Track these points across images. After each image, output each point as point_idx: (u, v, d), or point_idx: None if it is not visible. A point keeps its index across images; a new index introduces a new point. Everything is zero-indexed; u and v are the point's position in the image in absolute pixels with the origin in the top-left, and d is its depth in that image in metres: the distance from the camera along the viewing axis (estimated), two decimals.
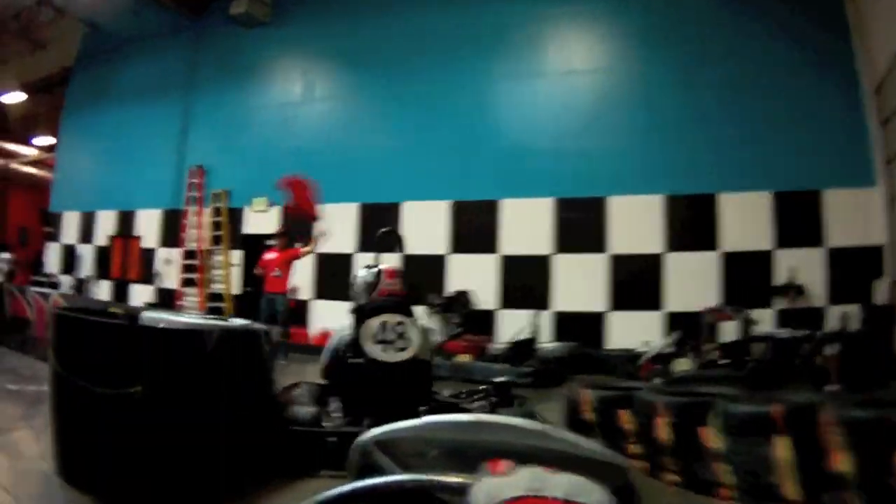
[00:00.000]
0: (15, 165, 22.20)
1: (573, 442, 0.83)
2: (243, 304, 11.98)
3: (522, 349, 8.62)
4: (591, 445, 0.84)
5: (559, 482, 0.53)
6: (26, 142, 21.60)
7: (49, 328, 3.12)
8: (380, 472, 0.87)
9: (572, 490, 0.52)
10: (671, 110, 9.45)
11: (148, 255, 14.09)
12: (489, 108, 10.62)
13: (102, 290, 14.91)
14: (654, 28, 9.83)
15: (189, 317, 3.69)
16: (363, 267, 4.80)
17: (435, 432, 0.88)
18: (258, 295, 9.79)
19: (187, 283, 13.10)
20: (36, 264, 17.72)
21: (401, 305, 4.34)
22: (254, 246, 11.68)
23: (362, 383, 4.13)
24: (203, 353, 2.98)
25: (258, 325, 3.83)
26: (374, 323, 4.18)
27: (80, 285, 15.38)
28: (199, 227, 12.98)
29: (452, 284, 10.40)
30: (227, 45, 13.59)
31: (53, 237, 16.73)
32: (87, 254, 15.57)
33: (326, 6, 12.40)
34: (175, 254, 13.42)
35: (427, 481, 0.62)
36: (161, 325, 3.10)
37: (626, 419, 4.03)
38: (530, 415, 4.25)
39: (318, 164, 11.56)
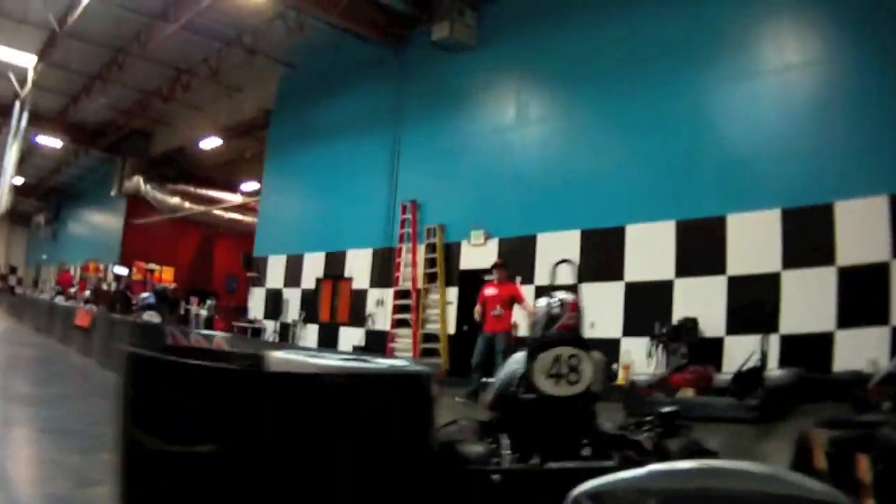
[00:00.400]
0: (219, 212, 25.10)
1: (805, 485, 0.88)
2: (459, 344, 12.98)
3: (748, 379, 8.69)
4: (822, 488, 0.89)
5: None
6: (231, 188, 24.23)
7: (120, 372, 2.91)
8: None
9: None
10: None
11: (359, 296, 15.53)
12: (708, 116, 10.77)
13: (310, 335, 16.61)
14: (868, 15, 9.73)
15: (329, 359, 3.45)
16: (545, 297, 5.12)
17: (655, 482, 0.93)
18: (474, 334, 10.72)
19: (400, 323, 14.34)
20: (240, 310, 20.01)
21: (576, 338, 4.65)
22: (471, 282, 12.64)
23: (531, 418, 4.47)
24: (318, 403, 2.71)
25: (416, 367, 3.90)
26: (548, 357, 4.48)
27: (286, 330, 17.22)
28: (413, 264, 14.22)
29: (678, 311, 10.65)
30: (433, 73, 14.89)
31: (258, 282, 18.85)
32: (293, 297, 17.40)
33: (532, 24, 13.27)
34: (387, 294, 14.76)
35: None
36: (264, 370, 3.02)
37: (864, 466, 3.62)
38: (696, 445, 4.50)
39: (537, 190, 12.43)
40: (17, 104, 19.77)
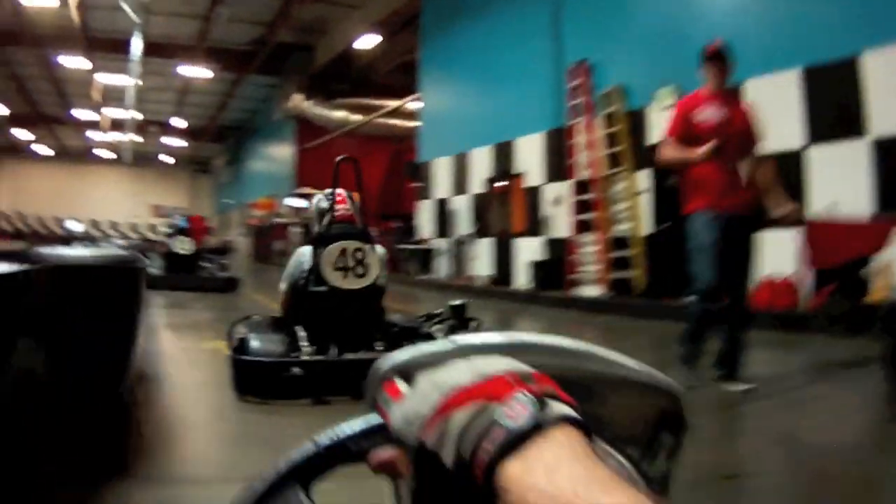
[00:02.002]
0: (397, 122, 24.29)
1: (620, 362, 0.80)
2: (658, 250, 10.96)
3: None
4: (641, 367, 0.81)
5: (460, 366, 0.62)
6: (408, 94, 22.91)
7: None
8: None
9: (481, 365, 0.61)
10: None
11: (532, 196, 13.83)
12: None
13: (483, 252, 15.15)
14: None
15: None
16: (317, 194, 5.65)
17: (464, 355, 0.78)
18: (678, 227, 5.63)
19: (582, 227, 12.48)
20: (405, 231, 18.87)
21: (360, 233, 5.19)
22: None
23: (324, 311, 5.00)
24: None
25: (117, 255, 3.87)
26: (335, 250, 5.00)
27: (458, 248, 15.87)
28: (589, 145, 12.31)
29: None
30: None
31: (424, 193, 17.68)
32: (462, 207, 16.05)
33: None
34: (565, 189, 12.96)
35: (343, 438, 0.67)
36: None
37: None
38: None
39: (746, 21, 10.06)
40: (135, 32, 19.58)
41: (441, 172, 16.99)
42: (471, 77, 16.18)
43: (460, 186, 16.13)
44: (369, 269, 5.02)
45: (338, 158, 5.49)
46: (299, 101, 25.92)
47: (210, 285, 12.82)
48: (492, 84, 15.22)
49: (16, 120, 35.53)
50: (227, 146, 41.02)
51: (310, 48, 26.13)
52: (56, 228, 37.59)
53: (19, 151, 43.31)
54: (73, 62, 24.32)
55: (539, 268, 13.14)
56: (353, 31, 22.12)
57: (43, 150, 43.10)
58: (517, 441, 0.49)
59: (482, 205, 15.48)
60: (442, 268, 16.42)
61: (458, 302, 5.45)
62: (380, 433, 0.65)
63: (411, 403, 0.59)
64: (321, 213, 5.32)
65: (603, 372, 0.79)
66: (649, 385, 0.81)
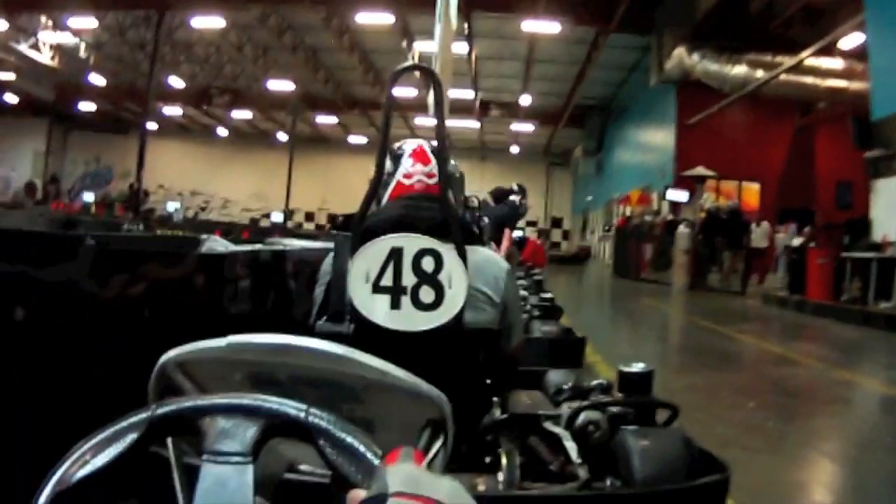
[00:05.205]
0: (812, 81, 20.10)
1: (385, 370, 1.04)
2: None
3: None
4: (401, 374, 1.04)
5: (439, 485, 0.71)
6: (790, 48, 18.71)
7: None
8: (181, 394, 1.11)
9: (453, 494, 0.70)
10: None
11: None
12: None
13: None
14: None
15: None
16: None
17: (238, 353, 1.11)
18: None
19: None
20: (857, 227, 14.70)
21: (440, 221, 2.81)
22: None
23: None
24: None
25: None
26: (374, 252, 2.77)
27: None
28: None
29: None
30: None
31: (884, 167, 13.81)
32: None
33: None
34: None
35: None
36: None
37: None
38: (684, 437, 2.80)
39: None
40: None
41: None
42: None
43: None
44: (447, 292, 2.69)
45: (401, 66, 2.91)
46: (683, 58, 22.30)
47: None
48: None
49: (317, 103, 36.15)
50: (587, 131, 38.91)
51: None
52: None
53: (327, 141, 44.11)
54: (375, 18, 23.35)
55: None
56: None
57: (357, 139, 43.72)
58: None
59: None
60: None
61: (636, 367, 3.07)
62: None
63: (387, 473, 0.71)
64: (384, 183, 3.16)
65: (367, 377, 1.03)
66: (414, 394, 1.06)
